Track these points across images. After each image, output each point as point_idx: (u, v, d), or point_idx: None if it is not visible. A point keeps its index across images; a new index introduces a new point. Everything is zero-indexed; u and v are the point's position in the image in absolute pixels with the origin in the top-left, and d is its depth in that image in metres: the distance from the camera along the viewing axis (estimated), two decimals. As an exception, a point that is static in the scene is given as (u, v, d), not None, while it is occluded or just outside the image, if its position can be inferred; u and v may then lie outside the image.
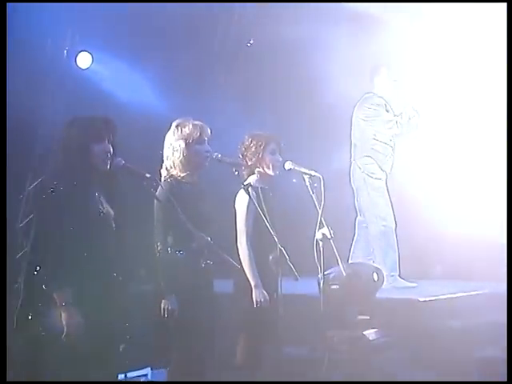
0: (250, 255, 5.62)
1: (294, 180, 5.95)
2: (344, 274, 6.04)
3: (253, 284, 5.61)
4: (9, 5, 7.83)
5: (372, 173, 8.13)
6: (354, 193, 8.32)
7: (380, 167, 8.15)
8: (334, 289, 6.23)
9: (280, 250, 5.41)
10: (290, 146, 6.33)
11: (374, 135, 8.11)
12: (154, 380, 7.15)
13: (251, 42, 10.38)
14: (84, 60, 9.34)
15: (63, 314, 4.37)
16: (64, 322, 4.36)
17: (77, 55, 9.29)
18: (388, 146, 8.20)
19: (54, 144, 4.72)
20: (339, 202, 8.13)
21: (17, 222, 9.41)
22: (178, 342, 5.29)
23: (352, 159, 8.28)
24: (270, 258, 5.57)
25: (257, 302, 5.58)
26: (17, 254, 9.33)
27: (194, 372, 5.39)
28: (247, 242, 5.67)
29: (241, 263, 5.61)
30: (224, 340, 5.62)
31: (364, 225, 8.27)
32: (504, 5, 7.10)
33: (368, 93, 8.26)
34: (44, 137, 9.41)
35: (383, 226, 8.05)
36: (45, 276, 4.39)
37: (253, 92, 10.02)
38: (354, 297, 6.52)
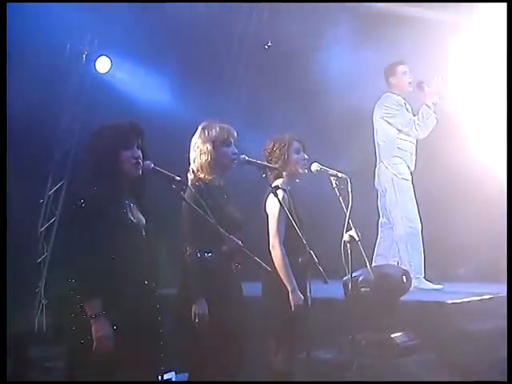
0: (284, 259, 5.55)
1: (297, 180, 5.89)
2: (372, 277, 5.98)
3: (290, 288, 5.52)
4: (29, 9, 7.89)
5: (400, 173, 8.07)
6: (378, 194, 8.26)
7: (408, 166, 8.12)
8: (363, 291, 6.18)
9: (309, 252, 5.35)
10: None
11: (398, 134, 8.08)
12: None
13: (269, 44, 10.38)
14: (103, 64, 9.35)
15: (93, 326, 4.30)
16: (94, 334, 4.29)
17: (96, 60, 9.30)
18: (412, 143, 8.17)
19: (82, 153, 4.65)
20: (360, 204, 8.13)
21: (37, 226, 9.43)
22: (206, 345, 5.23)
23: (378, 160, 8.23)
24: (299, 260, 5.51)
25: (295, 305, 5.49)
26: (37, 259, 9.40)
27: (221, 375, 5.35)
28: (281, 245, 5.59)
29: (273, 267, 5.53)
30: (252, 343, 5.56)
31: (389, 226, 8.20)
32: (504, 5, 7.10)
33: (386, 93, 8.22)
34: (62, 141, 9.43)
35: (410, 227, 7.98)
36: (76, 287, 4.34)
37: (270, 94, 9.97)
38: (383, 299, 6.48)
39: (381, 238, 8.26)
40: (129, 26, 9.04)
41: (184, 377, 6.49)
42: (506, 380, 5.69)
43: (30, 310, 9.21)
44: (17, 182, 8.49)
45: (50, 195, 9.46)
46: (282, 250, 5.57)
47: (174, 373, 7.24)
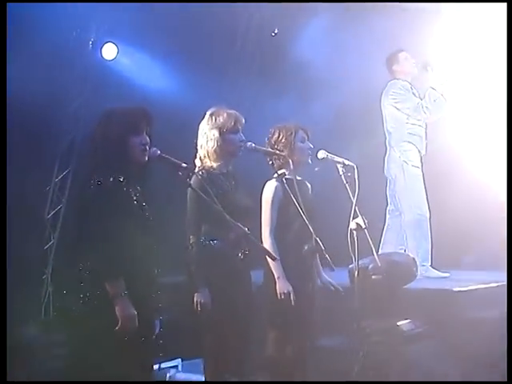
0: (273, 246, 5.52)
1: (317, 168, 5.88)
2: (379, 265, 5.98)
3: (276, 275, 5.50)
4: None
5: (410, 160, 8.08)
6: (387, 181, 8.27)
7: (419, 151, 8.14)
8: (374, 279, 6.17)
9: (315, 240, 5.34)
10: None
11: (407, 119, 8.09)
12: (184, 371, 7.21)
13: (276, 31, 10.32)
14: (109, 51, 9.33)
15: (118, 306, 4.30)
16: (118, 314, 4.29)
17: (102, 47, 9.29)
18: (421, 127, 8.19)
19: (90, 138, 4.63)
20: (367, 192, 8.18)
21: (44, 214, 9.44)
22: (212, 333, 5.25)
23: (388, 147, 8.25)
24: (305, 248, 5.50)
25: (280, 293, 5.47)
26: (43, 246, 9.42)
27: (228, 363, 5.36)
28: (270, 233, 5.57)
29: (278, 254, 5.51)
30: (259, 330, 5.56)
31: (396, 213, 8.21)
32: (504, 5, 7.09)
33: (391, 80, 8.25)
34: (69, 128, 9.43)
35: (418, 214, 7.99)
36: (96, 268, 4.33)
37: (278, 81, 9.94)
38: (392, 287, 6.49)
39: (388, 225, 8.27)
40: (135, 12, 9.01)
41: (191, 364, 6.53)
42: (507, 380, 5.69)
43: (37, 296, 9.22)
44: (23, 170, 8.53)
45: (56, 182, 9.46)
46: (271, 237, 5.55)
47: (180, 360, 7.31)
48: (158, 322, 4.66)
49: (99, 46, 9.29)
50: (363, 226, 5.56)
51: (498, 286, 7.14)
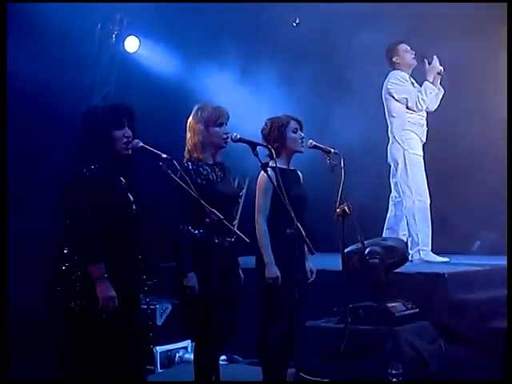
0: (265, 233, 5.80)
1: (328, 162, 6.10)
2: (363, 248, 6.20)
3: (266, 261, 5.78)
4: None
5: (412, 148, 8.24)
6: (390, 169, 8.45)
7: (420, 139, 8.30)
8: (371, 263, 6.39)
9: (297, 225, 5.58)
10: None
11: (407, 107, 8.26)
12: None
13: (297, 21, 10.39)
14: (132, 44, 9.63)
15: (98, 288, 4.57)
16: (99, 296, 4.56)
17: (124, 39, 9.58)
18: (422, 116, 8.35)
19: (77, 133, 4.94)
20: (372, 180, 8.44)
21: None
22: (199, 317, 5.49)
23: (390, 136, 8.40)
24: (287, 232, 5.74)
25: (268, 278, 5.74)
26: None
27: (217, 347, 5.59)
28: (263, 220, 5.84)
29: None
30: (248, 314, 5.79)
31: (399, 200, 8.39)
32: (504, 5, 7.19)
33: (392, 70, 8.41)
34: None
35: (419, 200, 8.16)
36: (79, 251, 4.62)
37: (297, 72, 10.10)
38: (387, 270, 6.67)
39: (391, 211, 8.45)
40: (158, 6, 9.25)
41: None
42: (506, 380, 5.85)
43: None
44: (52, 160, 8.86)
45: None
46: (263, 224, 5.84)
47: (189, 341, 7.52)
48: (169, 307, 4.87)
49: (122, 39, 9.60)
50: (348, 212, 5.78)
51: (490, 269, 7.31)
